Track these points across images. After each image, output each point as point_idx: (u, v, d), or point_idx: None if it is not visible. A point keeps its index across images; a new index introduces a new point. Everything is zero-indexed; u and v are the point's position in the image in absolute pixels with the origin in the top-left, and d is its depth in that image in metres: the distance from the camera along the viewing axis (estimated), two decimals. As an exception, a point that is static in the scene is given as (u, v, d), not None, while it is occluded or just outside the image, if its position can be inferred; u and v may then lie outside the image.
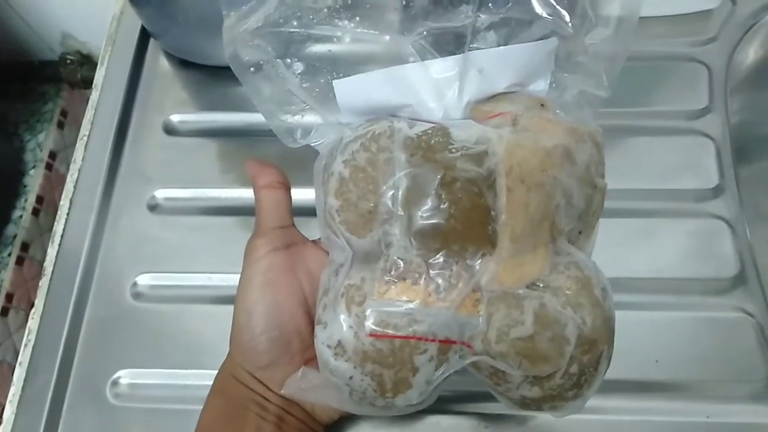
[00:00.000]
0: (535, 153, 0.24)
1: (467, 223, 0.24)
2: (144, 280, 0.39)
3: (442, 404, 0.35)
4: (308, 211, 0.40)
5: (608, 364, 0.25)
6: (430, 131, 0.24)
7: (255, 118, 0.44)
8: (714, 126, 0.42)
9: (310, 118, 0.28)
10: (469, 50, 0.25)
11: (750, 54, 0.45)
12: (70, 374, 0.37)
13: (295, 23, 0.25)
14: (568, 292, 0.24)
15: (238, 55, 0.26)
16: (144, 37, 0.47)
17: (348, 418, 0.34)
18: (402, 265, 0.24)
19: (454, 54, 0.25)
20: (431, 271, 0.24)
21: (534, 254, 0.24)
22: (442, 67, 0.25)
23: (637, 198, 0.40)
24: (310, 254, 0.29)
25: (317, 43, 0.26)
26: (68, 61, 0.84)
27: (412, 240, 0.24)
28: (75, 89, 0.89)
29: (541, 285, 0.24)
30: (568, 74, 0.26)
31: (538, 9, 0.24)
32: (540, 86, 0.27)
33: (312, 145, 0.28)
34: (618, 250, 0.38)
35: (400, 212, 0.24)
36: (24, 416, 0.36)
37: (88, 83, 0.47)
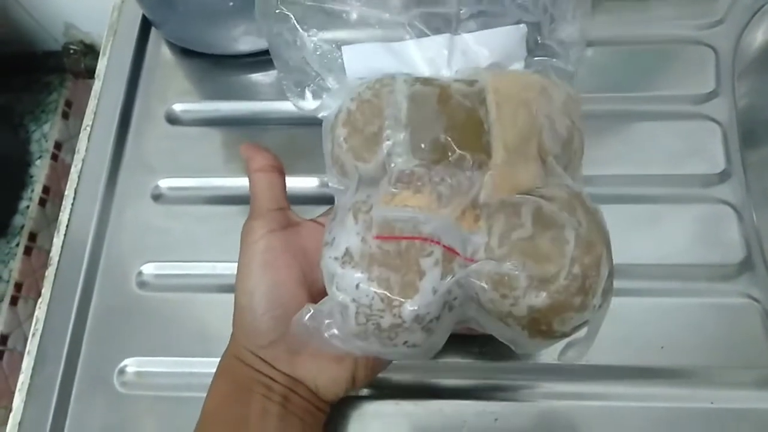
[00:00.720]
0: (516, 80, 0.28)
1: (464, 134, 0.26)
2: (149, 269, 0.39)
3: (445, 391, 0.35)
4: (309, 199, 0.40)
5: (609, 271, 0.25)
6: (425, 76, 0.28)
7: (258, 106, 0.44)
8: (721, 110, 0.42)
9: (321, 83, 0.31)
10: (453, 34, 0.29)
11: (758, 37, 0.44)
12: (77, 362, 0.37)
13: None
14: (561, 200, 0.25)
15: (267, 19, 0.30)
16: (145, 26, 0.47)
17: (349, 403, 0.34)
18: (405, 175, 0.26)
19: (443, 33, 0.29)
20: (433, 180, 0.25)
21: (526, 166, 0.26)
22: (434, 44, 0.29)
23: (642, 183, 0.40)
24: (306, 233, 0.29)
25: (330, 15, 0.30)
26: (71, 51, 0.84)
27: (414, 152, 0.26)
28: (79, 79, 0.89)
29: (535, 194, 0.25)
30: (539, 57, 0.30)
31: (508, 3, 0.29)
32: (515, 68, 0.30)
33: (318, 116, 0.30)
34: (623, 236, 0.38)
35: (403, 129, 0.26)
36: (33, 404, 0.36)
37: (91, 73, 0.47)
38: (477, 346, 0.36)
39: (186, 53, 0.46)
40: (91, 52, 0.85)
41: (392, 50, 0.29)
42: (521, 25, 0.29)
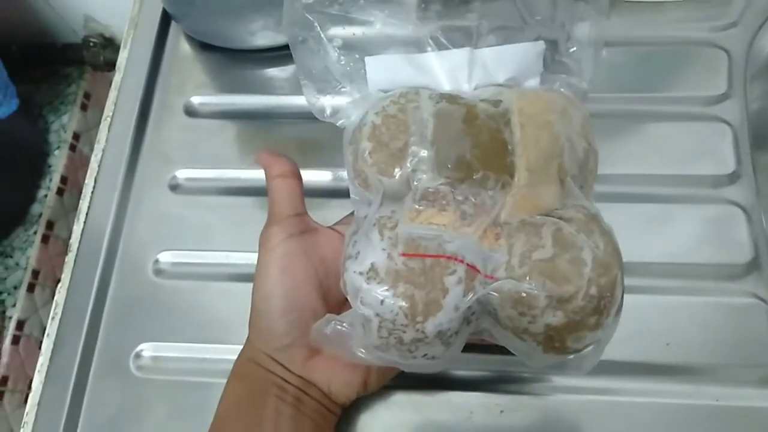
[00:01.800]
0: (539, 100, 0.28)
1: (488, 154, 0.27)
2: (165, 257, 0.40)
3: (452, 382, 0.36)
4: (324, 192, 0.41)
5: (623, 294, 0.26)
6: (449, 92, 0.29)
7: (274, 100, 0.45)
8: (732, 112, 0.42)
9: (340, 99, 0.31)
10: (474, 48, 0.30)
11: (772, 39, 0.45)
12: (95, 346, 0.38)
13: (337, 6, 0.31)
14: (579, 222, 0.26)
15: (292, 27, 0.30)
16: (165, 19, 0.48)
17: (363, 400, 0.34)
18: (430, 193, 0.26)
19: (463, 47, 0.30)
20: (457, 199, 0.26)
21: (547, 187, 0.27)
22: (455, 57, 0.30)
23: (653, 183, 0.40)
24: (323, 240, 0.30)
25: (354, 25, 0.31)
26: (91, 44, 0.85)
27: (440, 170, 0.26)
28: (97, 72, 0.90)
29: (554, 216, 0.26)
30: (555, 73, 0.31)
31: (528, 19, 0.30)
32: (532, 83, 0.31)
33: (337, 124, 0.30)
34: (633, 234, 0.39)
35: (428, 146, 0.26)
36: (52, 385, 0.37)
37: (110, 65, 0.48)
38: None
39: (205, 47, 0.47)
40: (110, 45, 0.86)
41: (414, 62, 0.30)
42: (539, 42, 0.30)
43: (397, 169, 0.27)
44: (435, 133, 0.27)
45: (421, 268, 0.25)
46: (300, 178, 0.31)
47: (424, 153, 0.26)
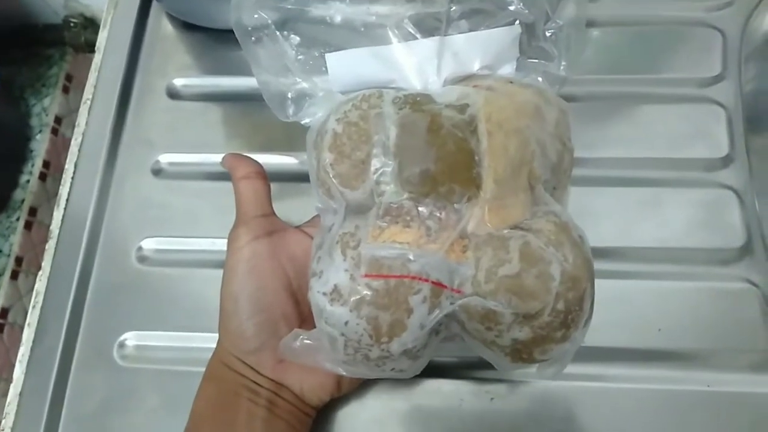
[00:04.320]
0: (509, 104, 0.26)
1: (454, 166, 0.25)
2: (149, 244, 0.39)
3: (443, 370, 0.35)
4: (304, 177, 0.40)
5: (592, 304, 0.26)
6: (415, 93, 0.27)
7: (259, 82, 0.44)
8: (726, 94, 0.41)
9: (302, 92, 0.29)
10: (444, 35, 0.28)
11: (766, 20, 0.44)
12: (77, 335, 0.37)
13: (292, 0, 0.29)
14: (548, 233, 0.25)
15: (242, 23, 0.28)
16: (146, -1, 0.47)
17: (338, 401, 0.34)
18: (394, 209, 0.25)
19: (433, 36, 0.28)
20: (422, 215, 0.25)
21: (515, 198, 0.26)
22: (423, 48, 0.28)
23: (644, 167, 0.40)
24: (292, 239, 0.30)
25: (312, 19, 0.29)
26: (72, 24, 0.83)
27: (404, 185, 0.25)
28: (79, 53, 0.88)
29: (524, 228, 0.25)
30: (531, 59, 0.29)
31: (502, 1, 0.28)
32: (507, 70, 0.29)
33: (302, 123, 0.29)
34: (624, 218, 0.38)
35: (392, 159, 0.25)
36: (33, 376, 0.36)
37: (92, 47, 0.46)
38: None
39: (187, 27, 0.46)
40: (91, 25, 0.84)
41: (379, 56, 0.28)
42: (515, 25, 0.29)
43: (359, 182, 0.26)
44: (398, 144, 0.25)
45: (384, 289, 0.24)
46: (266, 178, 0.31)
47: (387, 166, 0.25)
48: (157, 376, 0.36)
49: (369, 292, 0.24)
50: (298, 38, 0.29)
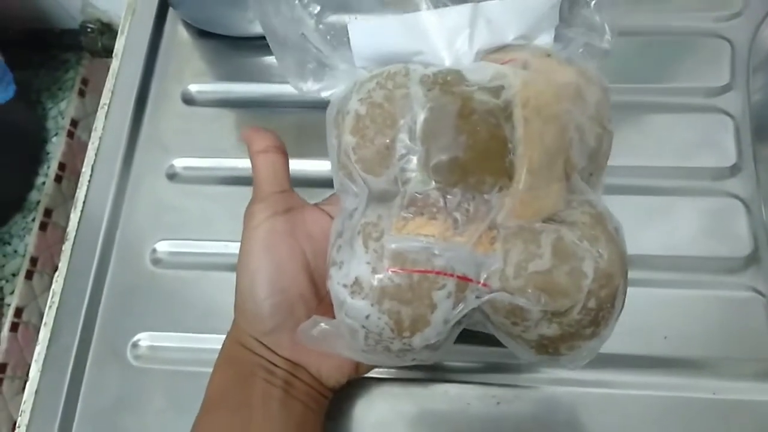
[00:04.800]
0: (549, 87, 0.24)
1: (485, 155, 0.23)
2: (163, 246, 0.40)
3: (450, 374, 0.36)
4: (324, 183, 0.40)
5: (623, 300, 0.25)
6: (444, 71, 0.25)
7: (273, 88, 0.45)
8: (734, 104, 0.42)
9: (322, 61, 0.27)
10: (478, 1, 0.25)
11: (776, 31, 0.44)
12: (92, 335, 0.38)
13: None
14: (583, 226, 0.24)
15: None
16: (163, 6, 0.48)
17: (355, 383, 0.34)
18: (419, 199, 0.24)
19: (465, 2, 0.25)
20: (449, 206, 0.24)
21: (549, 189, 0.24)
22: (454, 15, 0.25)
23: (653, 175, 0.40)
24: (310, 217, 0.29)
25: None
26: (89, 30, 0.85)
27: (431, 173, 0.23)
28: (95, 57, 0.89)
29: (557, 220, 0.24)
30: (572, 28, 0.26)
31: None
32: (545, 40, 0.27)
33: (322, 96, 0.28)
34: (632, 227, 0.37)
35: (418, 145, 0.24)
36: (49, 374, 0.37)
37: (108, 52, 0.47)
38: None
39: (202, 34, 0.46)
40: (107, 30, 0.86)
41: (406, 24, 0.26)
42: None
43: (383, 168, 0.24)
44: (426, 129, 0.24)
45: (408, 284, 0.23)
46: (285, 152, 0.30)
47: (413, 153, 0.24)
48: (170, 377, 0.37)
49: (391, 287, 0.23)
50: (318, 6, 0.26)
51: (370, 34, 0.26)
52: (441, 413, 0.35)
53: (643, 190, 0.40)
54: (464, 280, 0.23)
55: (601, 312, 0.24)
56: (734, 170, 0.40)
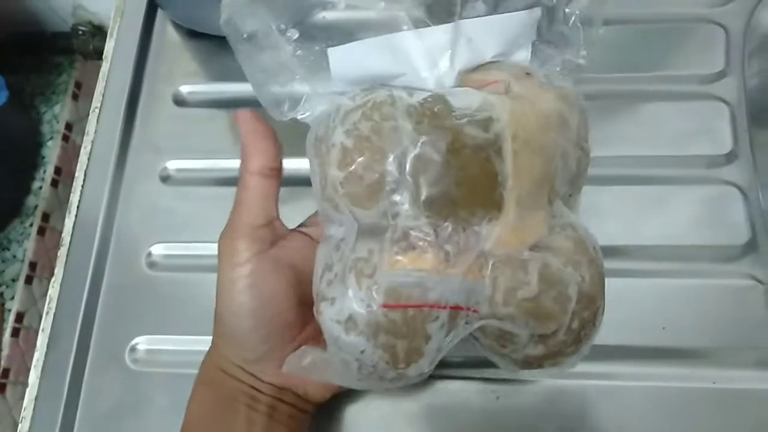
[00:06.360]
0: (536, 117, 0.25)
1: (476, 189, 0.24)
2: (158, 249, 0.40)
3: (449, 369, 0.35)
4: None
5: (602, 318, 0.26)
6: (430, 99, 0.24)
7: (264, 87, 0.44)
8: (730, 90, 0.41)
9: (299, 88, 0.27)
10: (459, 19, 0.25)
11: (770, 15, 0.44)
12: (90, 340, 0.38)
13: None
14: (567, 252, 0.25)
15: (233, 21, 0.26)
16: (152, 7, 0.47)
17: (344, 400, 0.34)
18: (411, 234, 0.24)
19: (446, 22, 0.25)
20: (440, 239, 0.24)
21: (535, 217, 0.25)
22: (435, 35, 0.25)
23: (648, 165, 0.40)
24: (294, 245, 0.28)
25: (312, 9, 0.26)
26: (80, 32, 0.84)
27: (422, 208, 0.23)
28: (88, 60, 0.89)
29: (543, 246, 0.25)
30: (550, 44, 0.27)
31: None
32: (522, 55, 0.27)
33: (299, 118, 0.27)
34: (628, 217, 0.38)
35: (409, 181, 0.23)
36: (48, 380, 0.37)
37: (100, 54, 0.47)
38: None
39: (192, 34, 0.46)
40: (99, 33, 0.85)
41: (386, 46, 0.25)
42: (536, 9, 0.26)
43: (373, 202, 0.24)
44: (416, 165, 0.23)
45: (402, 319, 0.23)
46: (280, 173, 0.28)
47: (403, 187, 0.23)
48: (168, 380, 0.37)
49: (386, 322, 0.23)
50: (296, 32, 0.26)
51: (349, 58, 0.26)
52: (441, 408, 0.35)
53: (639, 180, 0.39)
54: (455, 309, 0.24)
55: (584, 331, 0.25)
56: (730, 157, 0.39)
